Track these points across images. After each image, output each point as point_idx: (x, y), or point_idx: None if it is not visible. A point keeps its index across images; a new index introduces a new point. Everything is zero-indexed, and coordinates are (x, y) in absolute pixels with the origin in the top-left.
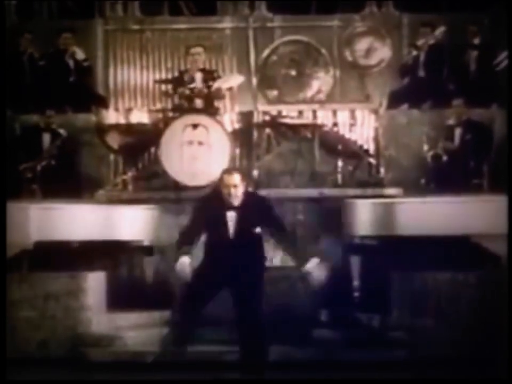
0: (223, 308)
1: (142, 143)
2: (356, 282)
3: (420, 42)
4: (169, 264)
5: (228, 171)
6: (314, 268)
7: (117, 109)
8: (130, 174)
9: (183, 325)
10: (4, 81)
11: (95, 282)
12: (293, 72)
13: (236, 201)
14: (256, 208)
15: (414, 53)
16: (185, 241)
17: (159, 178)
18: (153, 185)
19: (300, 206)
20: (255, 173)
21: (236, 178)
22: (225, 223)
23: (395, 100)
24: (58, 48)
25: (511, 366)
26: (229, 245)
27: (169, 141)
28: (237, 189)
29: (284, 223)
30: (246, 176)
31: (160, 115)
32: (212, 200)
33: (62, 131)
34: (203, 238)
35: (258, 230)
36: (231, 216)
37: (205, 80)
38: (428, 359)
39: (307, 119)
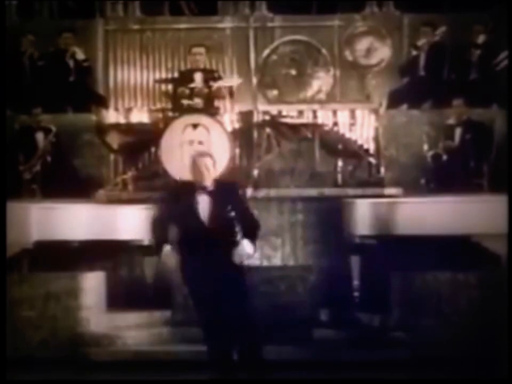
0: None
1: (142, 143)
2: (356, 282)
3: (420, 42)
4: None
5: (199, 154)
6: (247, 244)
7: (117, 109)
8: (130, 173)
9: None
10: (4, 81)
11: (95, 282)
12: (293, 72)
13: (208, 183)
14: (227, 193)
15: (414, 53)
16: (161, 232)
17: (159, 178)
18: (154, 185)
19: (300, 205)
20: (255, 172)
21: (208, 161)
22: (196, 208)
23: (395, 100)
24: (59, 48)
25: (511, 366)
26: (203, 230)
27: (169, 141)
28: (209, 172)
29: (250, 209)
30: (216, 162)
31: (160, 115)
32: (182, 188)
33: (52, 126)
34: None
35: (231, 214)
36: (202, 200)
37: (205, 80)
38: (428, 359)
39: (307, 118)
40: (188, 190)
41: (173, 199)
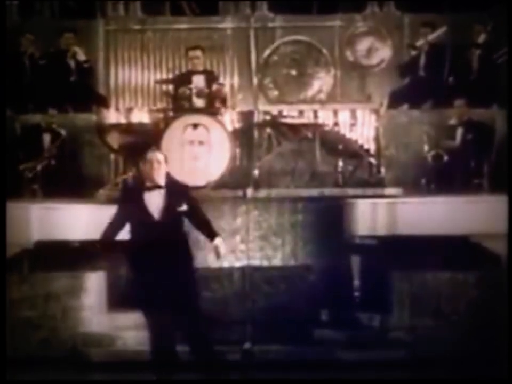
0: (223, 308)
1: (142, 143)
2: (356, 282)
3: (418, 43)
4: None
5: (152, 150)
6: (221, 243)
7: (117, 109)
8: (130, 173)
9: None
10: (4, 81)
11: (95, 282)
12: (294, 72)
13: (159, 178)
14: (176, 188)
15: (413, 53)
16: (112, 233)
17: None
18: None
19: (300, 205)
20: (256, 172)
21: (159, 155)
22: (145, 204)
23: (396, 100)
24: (60, 48)
25: (511, 366)
26: (153, 224)
27: (170, 141)
28: (160, 165)
29: (199, 204)
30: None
31: (160, 115)
32: (134, 187)
33: (62, 131)
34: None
35: (183, 208)
36: (154, 195)
37: (206, 80)
38: (428, 359)
39: (308, 119)
40: (138, 186)
41: (125, 196)
